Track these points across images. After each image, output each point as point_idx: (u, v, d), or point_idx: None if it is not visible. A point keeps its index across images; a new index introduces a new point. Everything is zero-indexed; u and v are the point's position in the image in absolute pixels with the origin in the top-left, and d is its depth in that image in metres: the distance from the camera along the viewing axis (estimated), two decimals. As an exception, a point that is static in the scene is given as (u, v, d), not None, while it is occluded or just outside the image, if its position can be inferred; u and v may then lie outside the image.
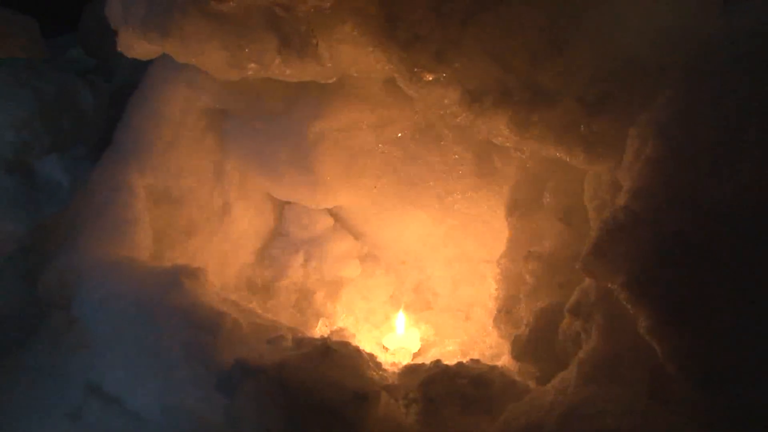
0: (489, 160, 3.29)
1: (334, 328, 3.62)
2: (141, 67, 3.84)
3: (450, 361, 2.82)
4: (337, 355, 2.68)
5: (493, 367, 2.69)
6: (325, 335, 3.47)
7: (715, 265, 1.82)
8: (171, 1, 2.58)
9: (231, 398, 2.64)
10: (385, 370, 2.80)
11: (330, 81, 2.88)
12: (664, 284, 1.90)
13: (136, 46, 2.88)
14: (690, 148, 1.94)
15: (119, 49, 2.94)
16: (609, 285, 2.05)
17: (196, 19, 2.56)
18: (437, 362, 2.77)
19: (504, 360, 3.03)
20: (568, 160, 2.48)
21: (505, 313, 3.01)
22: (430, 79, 2.51)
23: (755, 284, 1.76)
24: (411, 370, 2.76)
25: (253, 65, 2.68)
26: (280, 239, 3.96)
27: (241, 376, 2.65)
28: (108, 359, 2.94)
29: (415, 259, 3.83)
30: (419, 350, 3.57)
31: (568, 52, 2.37)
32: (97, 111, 4.53)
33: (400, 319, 3.61)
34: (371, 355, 2.85)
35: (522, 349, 2.73)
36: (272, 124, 3.47)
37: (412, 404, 2.58)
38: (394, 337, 3.59)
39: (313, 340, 2.80)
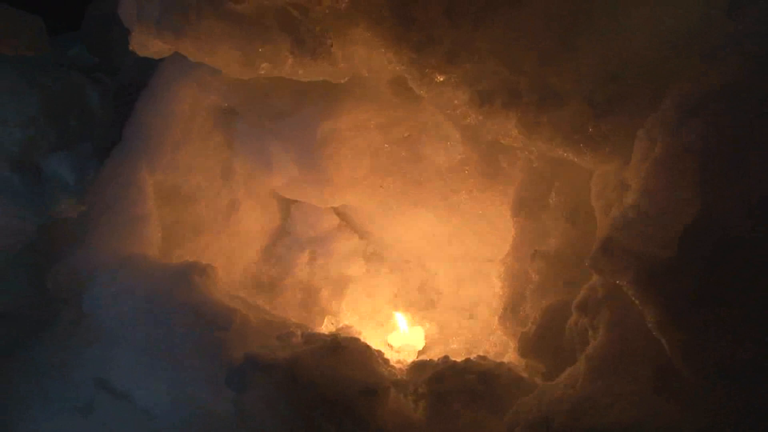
0: (494, 160, 3.33)
1: (340, 325, 3.66)
2: (145, 65, 3.85)
3: (455, 358, 2.87)
4: (347, 351, 2.72)
5: (500, 364, 2.73)
6: (334, 332, 3.50)
7: (722, 263, 1.87)
8: (186, 1, 2.61)
9: (241, 393, 2.68)
10: (393, 366, 2.84)
11: (341, 81, 2.92)
12: (672, 281, 1.95)
13: (149, 45, 2.91)
14: (699, 149, 1.98)
15: (132, 48, 2.97)
16: (617, 282, 2.10)
17: (211, 19, 2.59)
18: (445, 358, 2.81)
19: (508, 358, 3.07)
20: (575, 160, 2.52)
21: (511, 311, 3.05)
22: (441, 80, 2.55)
23: (763, 282, 1.81)
24: (419, 366, 2.81)
25: (266, 65, 2.72)
26: (286, 237, 4.00)
27: (251, 372, 2.68)
28: (118, 354, 2.97)
29: (419, 258, 3.87)
30: (423, 348, 3.61)
31: (577, 54, 2.41)
32: (103, 109, 4.55)
33: (401, 317, 3.65)
34: (379, 352, 2.90)
35: (528, 346, 2.77)
36: (280, 123, 3.51)
37: (420, 399, 2.62)
38: (399, 335, 3.63)
39: (322, 336, 2.84)
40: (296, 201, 4.01)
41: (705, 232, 1.93)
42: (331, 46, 2.56)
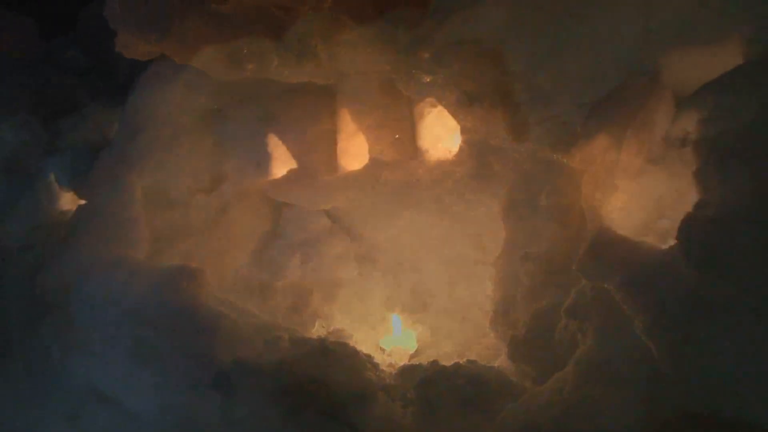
0: (486, 162, 3.30)
1: (331, 329, 3.62)
2: (139, 68, 3.84)
3: (447, 362, 2.84)
4: (335, 356, 2.70)
5: (490, 368, 2.70)
6: (322, 336, 3.47)
7: (711, 266, 1.83)
8: (170, 2, 2.58)
9: (229, 398, 2.65)
10: (382, 371, 2.81)
11: (328, 82, 2.89)
12: (660, 285, 1.92)
13: (134, 47, 2.89)
14: (689, 150, 1.95)
15: (118, 49, 2.95)
16: (605, 285, 2.07)
17: (195, 20, 2.57)
18: (434, 363, 2.78)
19: (500, 361, 3.04)
20: (565, 161, 2.49)
21: (502, 314, 3.01)
22: (428, 80, 2.52)
23: (752, 286, 1.78)
24: (408, 371, 2.77)
25: (251, 66, 2.70)
26: (278, 240, 3.95)
27: (239, 376, 2.66)
28: (106, 359, 2.95)
29: (411, 261, 3.83)
30: (416, 351, 3.57)
31: (567, 56, 2.38)
32: (97, 111, 4.54)
33: (397, 320, 3.62)
34: (368, 356, 2.87)
35: (518, 350, 2.74)
36: (271, 125, 3.48)
37: (409, 405, 2.59)
38: (391, 338, 3.60)
39: (310, 340, 2.81)
40: (287, 203, 3.97)
41: (695, 236, 1.89)
42: (316, 47, 2.54)
